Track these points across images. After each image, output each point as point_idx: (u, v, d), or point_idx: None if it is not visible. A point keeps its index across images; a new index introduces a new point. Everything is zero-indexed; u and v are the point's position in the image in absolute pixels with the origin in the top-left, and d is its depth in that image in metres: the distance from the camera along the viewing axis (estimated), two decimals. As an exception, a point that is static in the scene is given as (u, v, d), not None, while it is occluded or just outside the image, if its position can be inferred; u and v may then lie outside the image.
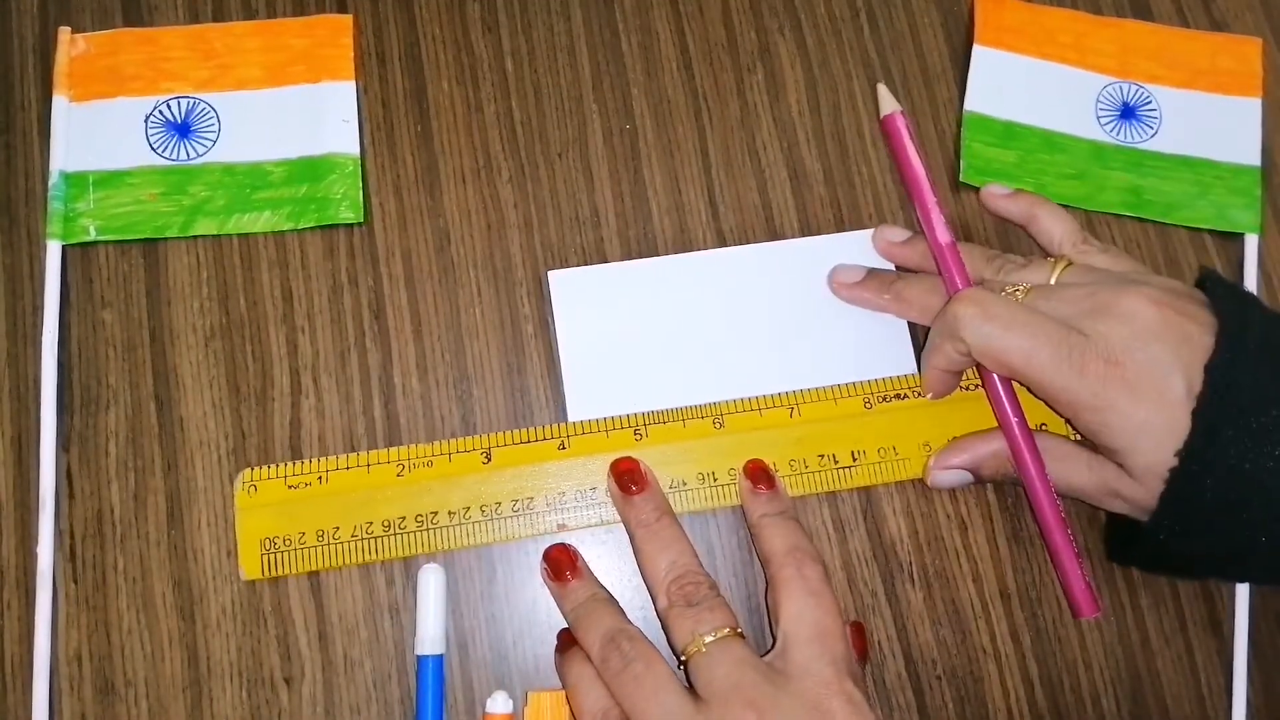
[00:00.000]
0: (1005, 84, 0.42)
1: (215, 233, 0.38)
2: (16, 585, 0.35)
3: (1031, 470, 0.35)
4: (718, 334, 0.38)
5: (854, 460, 0.37)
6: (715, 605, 0.32)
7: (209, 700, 0.34)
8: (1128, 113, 0.42)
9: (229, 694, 0.34)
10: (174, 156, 0.39)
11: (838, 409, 0.37)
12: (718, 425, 0.37)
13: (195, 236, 0.38)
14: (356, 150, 0.39)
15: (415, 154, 0.40)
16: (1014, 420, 0.35)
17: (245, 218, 0.38)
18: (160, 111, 0.39)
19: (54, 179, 0.38)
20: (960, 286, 0.36)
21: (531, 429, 0.37)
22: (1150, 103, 0.42)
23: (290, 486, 0.36)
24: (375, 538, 0.35)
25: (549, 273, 0.38)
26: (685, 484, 0.36)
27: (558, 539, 0.36)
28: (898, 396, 0.37)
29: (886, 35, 0.43)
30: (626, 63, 0.41)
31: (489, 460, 0.36)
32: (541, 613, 0.36)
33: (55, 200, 0.38)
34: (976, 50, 0.42)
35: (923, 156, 0.38)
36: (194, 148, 0.39)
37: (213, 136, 0.39)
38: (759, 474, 0.36)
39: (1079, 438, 0.36)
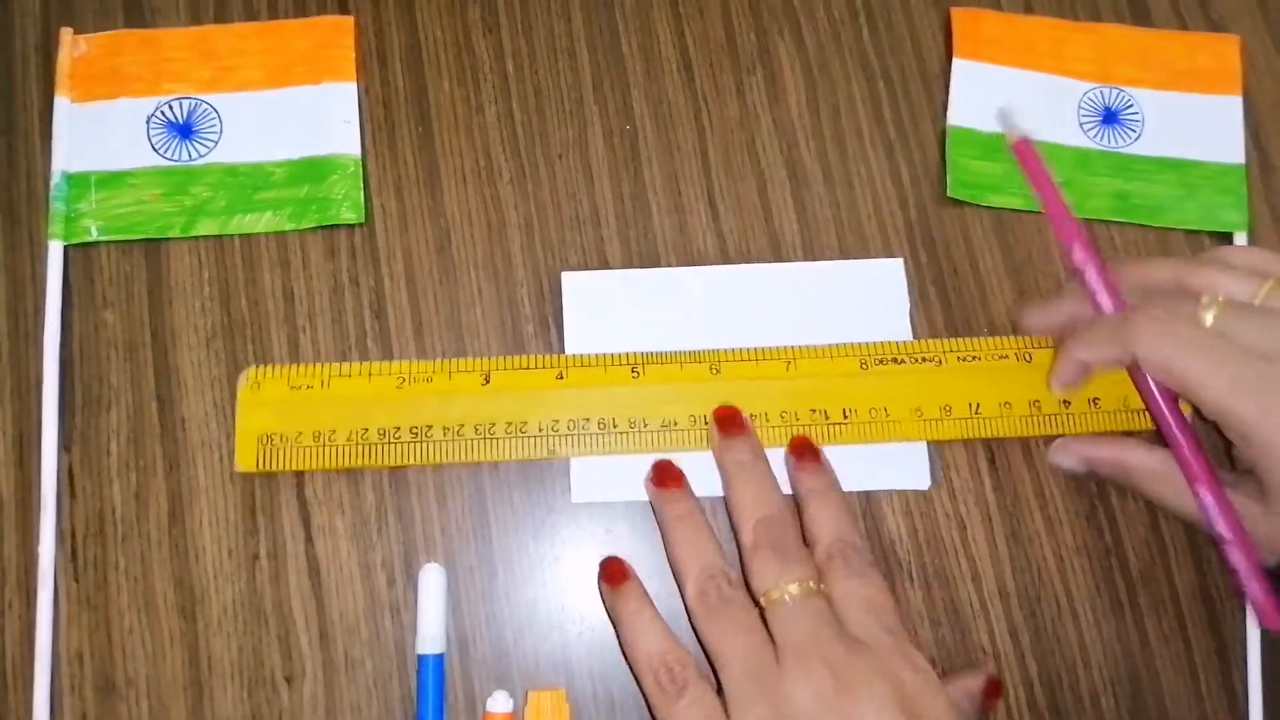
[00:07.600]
0: (987, 96, 0.41)
1: (217, 233, 0.38)
2: (18, 584, 0.35)
3: (1208, 492, 0.33)
4: (725, 349, 0.38)
5: (845, 418, 0.37)
6: (802, 557, 0.32)
7: (210, 699, 0.34)
8: (1110, 117, 0.42)
9: (230, 693, 0.35)
10: (176, 157, 0.39)
11: (833, 366, 0.37)
12: (714, 371, 0.37)
13: (197, 237, 0.38)
14: (358, 151, 0.39)
15: (416, 155, 0.40)
16: (1180, 435, 0.34)
17: (247, 218, 0.38)
18: (162, 112, 0.39)
19: (56, 179, 0.38)
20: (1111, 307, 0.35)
21: (532, 357, 0.37)
22: (1132, 106, 0.42)
23: (293, 387, 0.36)
24: (370, 444, 0.36)
25: (562, 274, 0.38)
26: (676, 424, 0.36)
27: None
28: (894, 360, 0.38)
29: (886, 38, 0.43)
30: (627, 64, 0.42)
31: (488, 382, 0.36)
32: (541, 612, 0.36)
33: (57, 201, 0.38)
34: (956, 64, 0.42)
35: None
36: (196, 148, 0.39)
37: (214, 137, 0.39)
38: (804, 448, 0.35)
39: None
